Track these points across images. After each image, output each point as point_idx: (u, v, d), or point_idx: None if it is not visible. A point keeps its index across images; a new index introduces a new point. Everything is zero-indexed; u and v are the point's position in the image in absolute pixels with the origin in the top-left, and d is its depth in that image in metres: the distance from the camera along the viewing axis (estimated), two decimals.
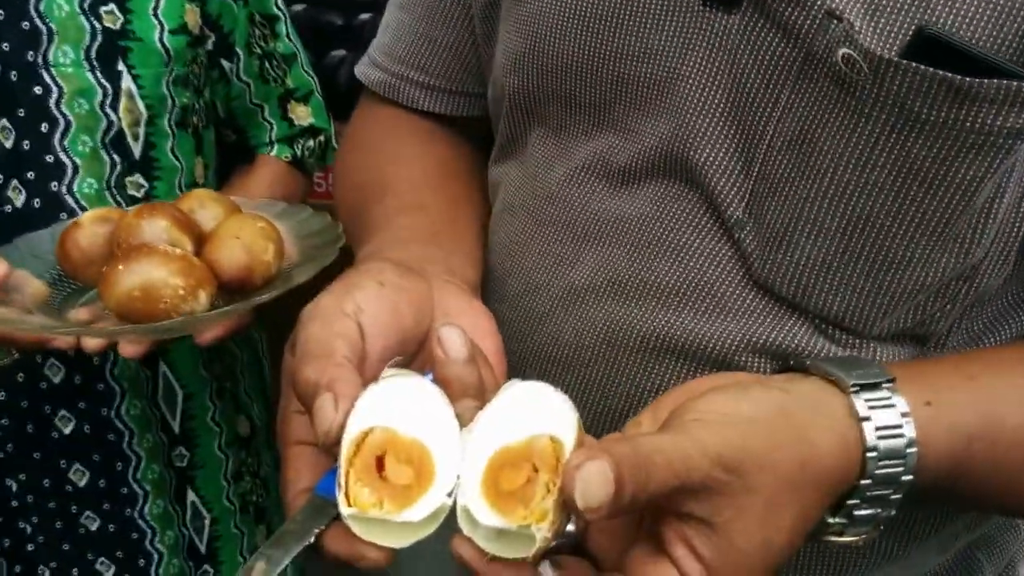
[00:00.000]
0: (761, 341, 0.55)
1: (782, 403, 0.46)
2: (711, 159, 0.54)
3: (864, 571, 0.61)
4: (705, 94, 0.54)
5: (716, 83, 0.54)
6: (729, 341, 0.55)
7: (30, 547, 0.97)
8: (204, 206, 0.78)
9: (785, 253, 0.53)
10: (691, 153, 0.55)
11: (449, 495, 0.42)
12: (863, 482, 0.46)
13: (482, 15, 0.66)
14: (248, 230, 0.74)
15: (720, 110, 0.54)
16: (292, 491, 0.46)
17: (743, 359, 0.55)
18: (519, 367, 0.61)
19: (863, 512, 0.47)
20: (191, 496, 1.03)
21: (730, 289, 0.55)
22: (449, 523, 0.43)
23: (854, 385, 0.47)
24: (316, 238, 0.78)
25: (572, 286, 0.59)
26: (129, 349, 0.75)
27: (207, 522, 1.05)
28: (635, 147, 0.57)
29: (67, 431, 0.93)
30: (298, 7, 1.25)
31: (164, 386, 0.99)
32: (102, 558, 0.99)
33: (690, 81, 0.55)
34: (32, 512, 0.95)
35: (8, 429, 0.91)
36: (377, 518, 0.42)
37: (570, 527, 0.44)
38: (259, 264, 0.73)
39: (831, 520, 0.47)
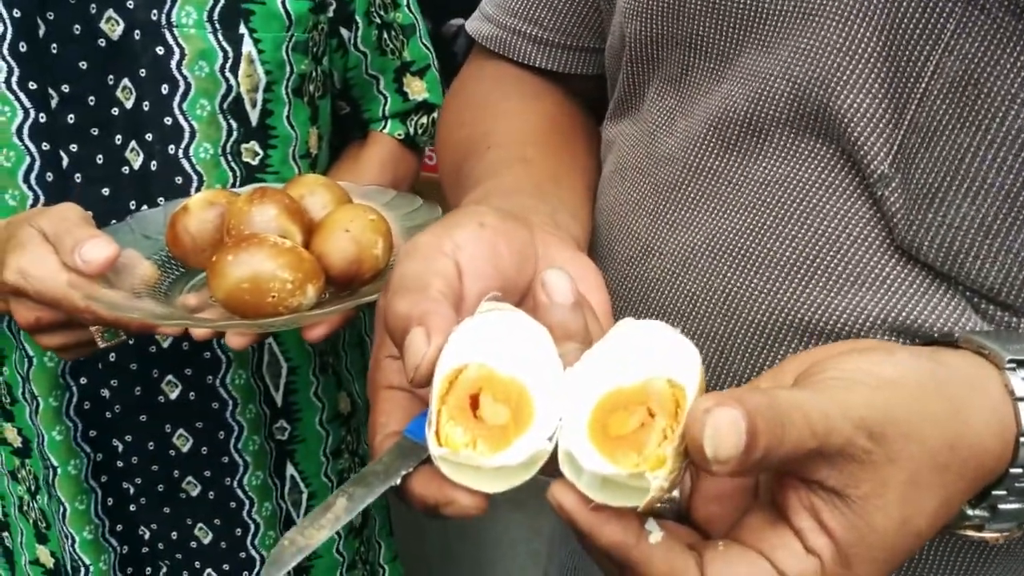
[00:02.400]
0: (902, 318, 0.48)
1: (933, 370, 0.41)
2: (855, 105, 0.48)
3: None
4: (852, 30, 0.48)
5: (866, 18, 0.47)
6: (864, 317, 0.49)
7: (132, 507, 0.97)
8: (314, 193, 0.76)
9: (937, 213, 0.47)
10: (831, 99, 0.48)
11: (550, 439, 0.39)
12: (1013, 470, 0.41)
13: None
14: (358, 222, 0.71)
15: (868, 49, 0.47)
16: (380, 434, 0.43)
17: (881, 339, 0.49)
18: None
19: (1009, 506, 0.42)
20: (290, 470, 1.02)
21: (868, 257, 0.49)
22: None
23: (1011, 361, 0.42)
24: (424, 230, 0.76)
25: (687, 251, 0.54)
26: (235, 340, 0.73)
27: (304, 497, 1.04)
28: (764, 96, 0.51)
29: (173, 396, 0.93)
30: None
31: (269, 358, 0.98)
32: (200, 524, 0.99)
33: (835, 16, 0.48)
34: (136, 474, 0.96)
35: (116, 391, 0.92)
36: (470, 461, 0.38)
37: (674, 493, 0.40)
38: (368, 258, 0.71)
39: (972, 512, 0.42)
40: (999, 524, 0.43)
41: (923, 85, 0.46)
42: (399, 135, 1.03)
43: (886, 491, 0.37)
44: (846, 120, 0.49)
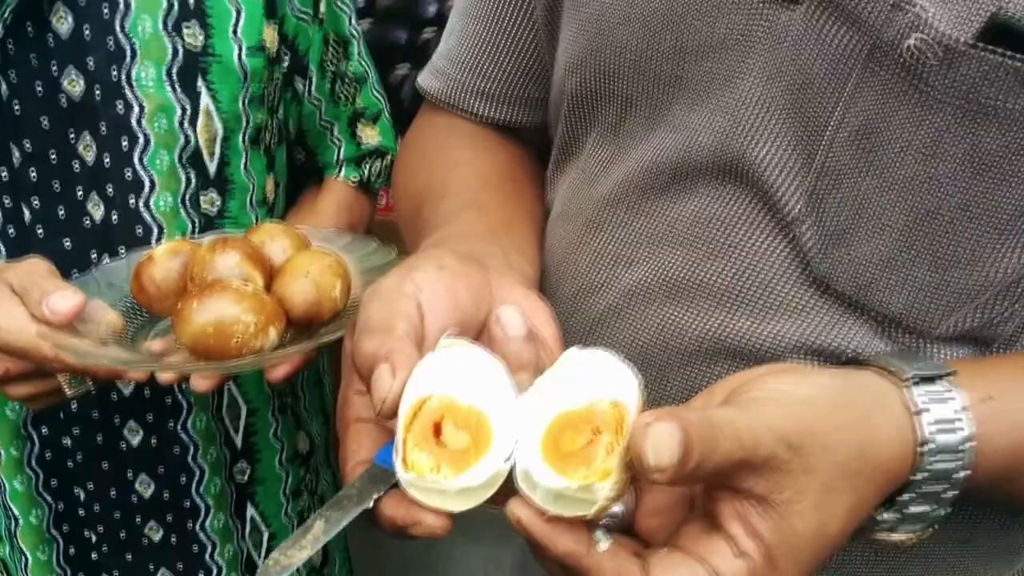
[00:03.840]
0: (818, 342, 0.54)
1: (842, 388, 0.46)
2: (769, 155, 0.53)
3: (937, 567, 0.59)
4: (765, 89, 0.53)
5: (777, 78, 0.53)
6: (784, 342, 0.54)
7: (94, 556, 0.98)
8: (274, 239, 0.79)
9: (846, 249, 0.52)
10: (748, 149, 0.54)
11: (507, 459, 0.43)
12: (916, 476, 0.46)
13: (544, 19, 0.67)
14: (317, 266, 0.74)
15: (780, 105, 0.53)
16: (351, 463, 0.47)
17: (799, 361, 0.54)
18: None
19: (916, 509, 0.47)
20: (251, 511, 1.04)
21: (786, 288, 0.55)
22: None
23: (912, 377, 0.47)
24: (380, 272, 0.79)
25: (626, 288, 0.59)
26: (200, 384, 0.75)
27: (265, 537, 1.05)
28: (690, 146, 0.57)
29: (135, 443, 0.94)
30: (365, 23, 1.27)
31: (229, 400, 0.99)
32: (163, 569, 0.99)
33: (750, 77, 0.54)
34: (98, 521, 0.96)
35: (78, 439, 0.93)
36: (435, 484, 0.42)
37: (618, 508, 0.44)
38: (327, 300, 0.74)
39: (882, 516, 0.47)
40: (909, 526, 0.48)
41: (829, 135, 0.52)
42: (354, 180, 1.07)
43: (805, 496, 0.42)
44: (761, 167, 0.54)
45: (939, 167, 0.49)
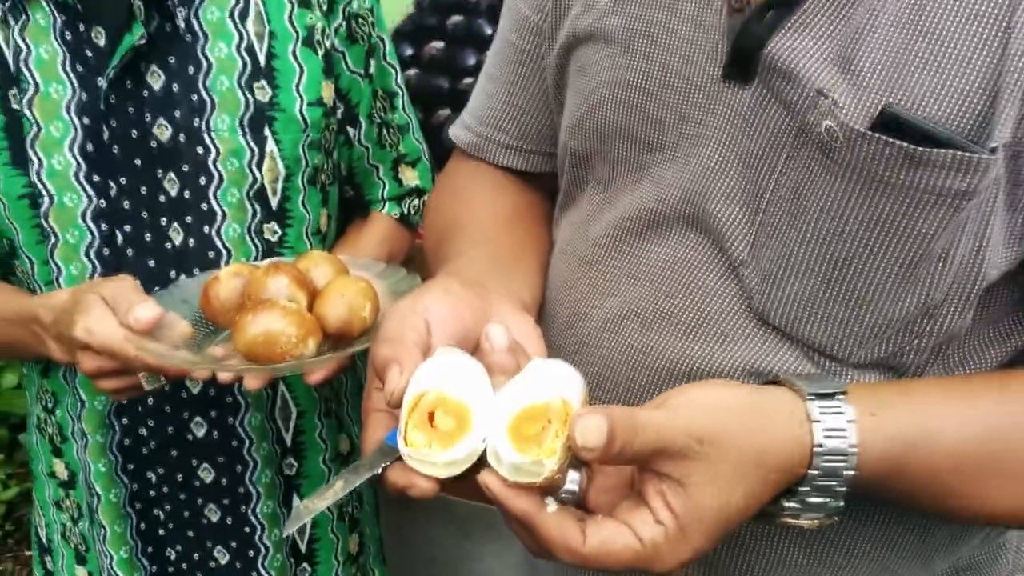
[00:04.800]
0: (759, 366, 0.66)
1: (751, 401, 0.59)
2: (723, 210, 0.67)
3: (862, 564, 0.70)
4: (721, 155, 0.67)
5: (731, 145, 0.66)
6: (731, 366, 0.67)
7: (161, 531, 1.13)
8: (318, 266, 0.94)
9: (778, 290, 0.65)
10: (707, 204, 0.67)
11: (482, 441, 0.56)
12: (811, 472, 0.57)
13: (553, 87, 0.81)
14: (351, 290, 0.89)
15: (733, 169, 0.66)
16: (369, 442, 0.61)
17: (744, 381, 0.66)
18: None
19: (813, 499, 0.59)
20: (296, 502, 1.18)
21: (733, 321, 0.67)
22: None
23: (811, 394, 0.58)
24: (407, 295, 0.94)
25: (607, 316, 0.72)
26: (251, 383, 0.90)
27: (308, 526, 1.20)
28: (664, 199, 0.70)
29: (199, 435, 1.10)
30: (411, 72, 1.43)
31: (281, 403, 1.15)
32: (219, 547, 1.14)
33: (711, 143, 0.67)
34: (166, 502, 1.12)
35: (152, 430, 1.09)
36: (427, 456, 0.56)
37: (574, 487, 0.57)
38: (357, 319, 0.88)
39: (787, 504, 0.59)
40: (810, 513, 0.60)
41: (767, 196, 0.65)
42: (395, 215, 1.22)
43: (710, 481, 0.55)
44: (716, 219, 0.67)
45: (847, 225, 0.61)
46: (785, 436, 0.58)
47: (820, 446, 0.57)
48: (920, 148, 0.57)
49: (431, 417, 0.57)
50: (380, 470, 0.58)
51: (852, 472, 0.58)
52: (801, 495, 0.59)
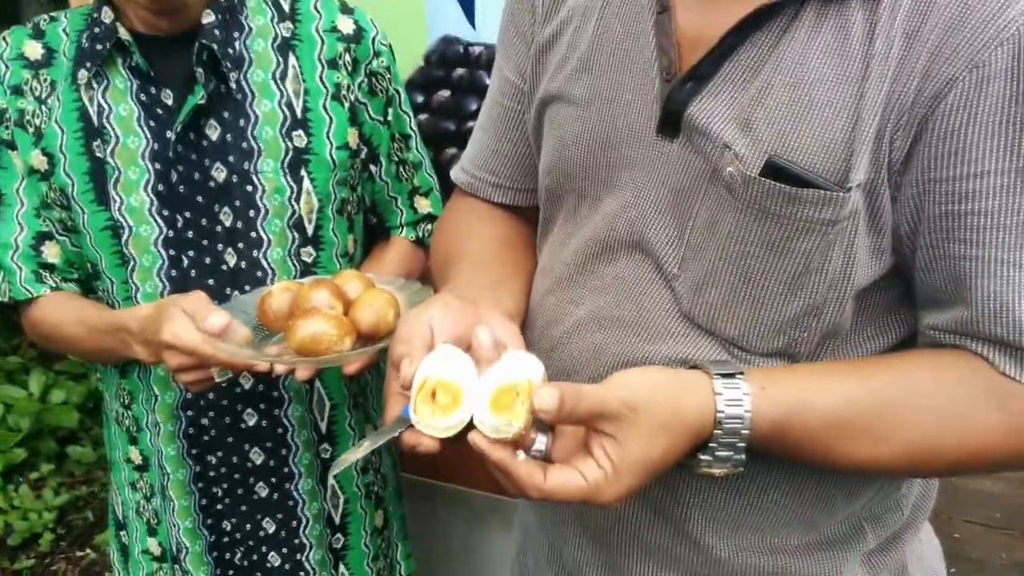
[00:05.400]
0: (687, 356, 0.86)
1: (671, 379, 0.79)
2: (658, 236, 0.87)
3: (774, 508, 0.90)
4: (657, 193, 0.87)
5: (664, 185, 0.87)
6: (667, 357, 0.87)
7: (219, 506, 1.35)
8: (350, 281, 1.16)
9: (701, 297, 0.85)
10: (647, 232, 0.88)
11: (470, 411, 0.77)
12: (716, 432, 0.77)
13: (533, 136, 1.02)
14: (378, 300, 1.11)
15: (665, 203, 0.87)
16: (389, 416, 0.82)
17: (675, 368, 0.86)
18: None
19: (720, 454, 0.79)
20: (330, 480, 1.40)
21: (668, 322, 0.87)
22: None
23: (717, 374, 0.79)
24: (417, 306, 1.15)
25: (575, 322, 0.93)
26: (302, 374, 1.12)
27: (341, 501, 1.42)
28: (615, 228, 0.90)
29: (251, 424, 1.32)
30: (423, 117, 1.65)
31: (317, 397, 1.37)
32: (267, 518, 1.36)
33: (649, 184, 0.88)
34: (223, 480, 1.34)
35: (212, 419, 1.31)
36: (431, 423, 0.78)
37: (543, 447, 0.78)
38: (384, 323, 1.10)
39: (702, 457, 0.79)
40: (720, 465, 0.79)
41: (691, 224, 0.86)
42: (412, 238, 1.44)
43: (636, 437, 0.75)
44: (653, 244, 0.88)
45: (749, 247, 0.82)
46: (696, 405, 0.77)
47: (722, 411, 0.77)
48: (795, 188, 0.77)
49: (433, 395, 0.79)
50: (398, 433, 0.80)
51: (747, 432, 0.78)
52: (711, 450, 0.78)
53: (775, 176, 0.78)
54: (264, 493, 1.35)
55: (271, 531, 1.37)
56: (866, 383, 0.81)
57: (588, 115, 0.91)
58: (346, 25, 1.28)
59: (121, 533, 1.46)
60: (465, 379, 0.79)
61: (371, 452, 1.45)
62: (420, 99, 1.61)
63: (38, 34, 1.25)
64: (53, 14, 1.27)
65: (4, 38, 1.25)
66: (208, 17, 1.20)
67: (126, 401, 1.36)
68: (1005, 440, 0.77)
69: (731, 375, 0.79)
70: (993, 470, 0.82)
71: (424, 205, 1.44)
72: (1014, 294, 0.75)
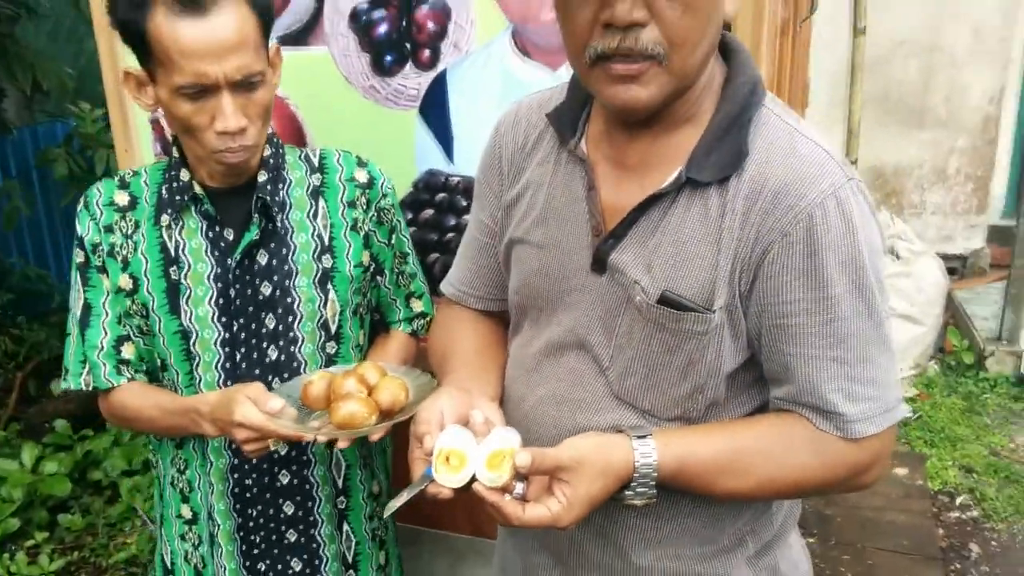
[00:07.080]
0: (617, 424, 1.25)
1: (604, 441, 1.18)
2: (595, 339, 1.26)
3: (681, 527, 1.29)
4: (592, 310, 1.26)
5: (597, 306, 1.26)
6: (603, 425, 1.25)
7: (255, 551, 1.70)
8: (369, 371, 1.53)
9: (625, 382, 1.24)
10: (586, 337, 1.27)
11: (473, 470, 1.15)
12: (635, 475, 1.16)
13: (504, 265, 1.42)
14: (393, 385, 1.49)
15: (598, 318, 1.25)
16: (415, 474, 1.20)
17: (607, 432, 1.25)
18: None
19: (640, 489, 1.17)
20: (346, 527, 1.76)
21: (603, 401, 1.26)
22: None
23: (634, 436, 1.17)
24: (424, 388, 1.53)
25: (537, 400, 1.32)
26: (343, 444, 1.49)
27: (354, 544, 1.77)
28: (565, 334, 1.29)
29: (284, 481, 1.68)
30: (412, 229, 2.05)
31: (335, 460, 1.73)
32: (295, 559, 1.71)
33: (585, 303, 1.27)
34: (261, 529, 1.69)
35: (255, 479, 1.66)
36: (447, 478, 1.15)
37: (521, 490, 1.17)
38: (398, 402, 1.48)
39: (627, 492, 1.18)
40: (640, 498, 1.19)
41: (616, 332, 1.27)
42: (408, 331, 1.82)
43: (582, 482, 1.14)
44: (591, 345, 1.28)
45: (652, 348, 1.22)
46: (621, 458, 1.16)
47: (638, 461, 1.16)
48: (680, 311, 1.18)
49: (447, 459, 1.17)
50: (424, 486, 1.18)
51: (656, 474, 1.17)
52: (632, 488, 1.17)
53: (667, 304, 1.18)
54: (293, 538, 1.71)
55: (298, 569, 1.72)
56: (732, 437, 1.21)
57: (544, 255, 1.31)
58: (361, 175, 1.69)
59: None
60: (468, 448, 1.17)
61: (374, 501, 1.82)
62: (410, 216, 2.02)
63: (123, 185, 1.63)
64: (135, 169, 1.66)
65: (98, 188, 1.62)
66: (263, 176, 1.59)
67: (181, 467, 1.71)
68: (818, 474, 1.18)
69: (643, 436, 1.18)
70: (815, 495, 1.25)
71: (418, 305, 1.83)
72: (818, 377, 1.16)
